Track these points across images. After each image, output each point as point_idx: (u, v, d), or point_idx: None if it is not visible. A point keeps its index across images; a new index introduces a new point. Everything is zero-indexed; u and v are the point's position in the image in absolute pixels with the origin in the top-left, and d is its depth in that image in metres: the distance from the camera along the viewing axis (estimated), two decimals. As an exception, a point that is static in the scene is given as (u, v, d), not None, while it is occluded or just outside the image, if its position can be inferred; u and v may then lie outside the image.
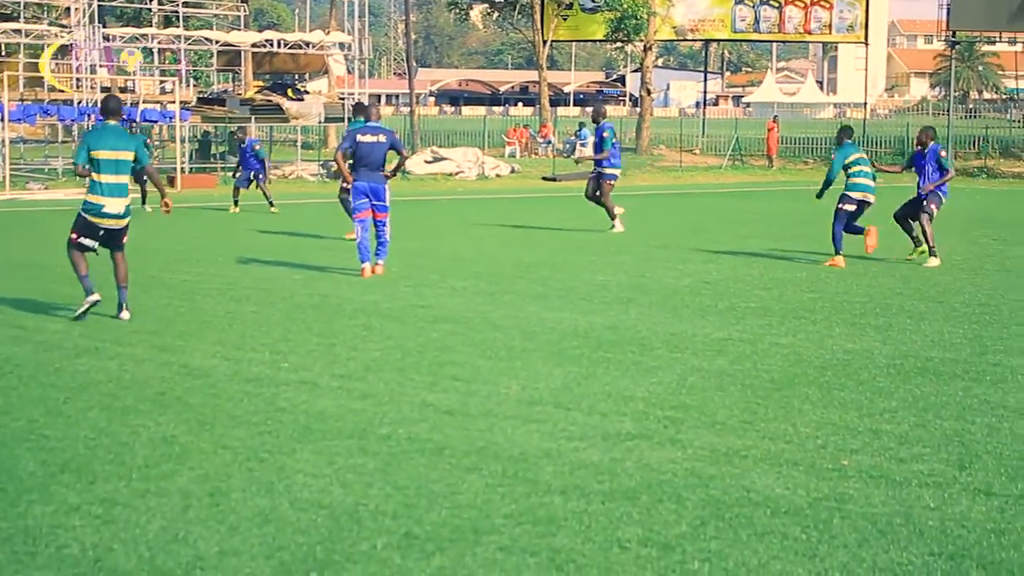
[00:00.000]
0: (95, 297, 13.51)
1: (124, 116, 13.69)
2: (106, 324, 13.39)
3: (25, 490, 7.51)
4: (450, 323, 13.70)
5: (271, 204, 29.84)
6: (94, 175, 13.52)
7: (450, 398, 10.06)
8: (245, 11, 56.75)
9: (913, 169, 20.57)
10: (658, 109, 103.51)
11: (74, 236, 13.62)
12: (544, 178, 48.00)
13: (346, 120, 44.59)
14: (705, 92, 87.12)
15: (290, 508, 7.23)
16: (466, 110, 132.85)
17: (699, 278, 17.92)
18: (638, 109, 69.37)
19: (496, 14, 73.16)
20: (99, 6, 46.19)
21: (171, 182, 39.74)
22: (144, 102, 43.97)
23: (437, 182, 46.18)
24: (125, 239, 13.89)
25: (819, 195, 21.11)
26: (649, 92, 62.68)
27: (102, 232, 13.65)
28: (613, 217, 25.23)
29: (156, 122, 44.87)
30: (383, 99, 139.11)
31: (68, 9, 48.58)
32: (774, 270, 19.11)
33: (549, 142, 58.82)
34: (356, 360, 11.60)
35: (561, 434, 8.94)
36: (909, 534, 6.93)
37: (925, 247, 20.05)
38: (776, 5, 62.16)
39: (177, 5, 52.46)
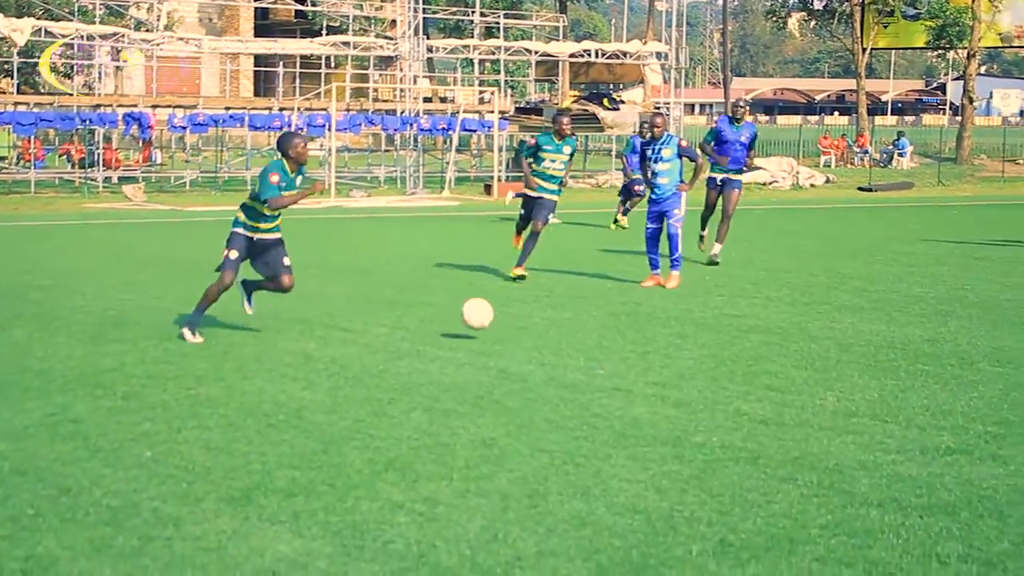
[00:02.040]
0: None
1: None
2: (426, 329, 13.73)
3: (352, 486, 7.81)
4: (764, 333, 13.65)
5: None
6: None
7: (764, 408, 10.05)
8: (563, 21, 57.40)
9: None
10: (980, 118, 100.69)
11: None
12: (860, 188, 47.25)
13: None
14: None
15: (606, 512, 7.34)
16: (781, 119, 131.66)
17: (1022, 291, 17.42)
18: (959, 118, 67.63)
19: (814, 22, 72.31)
20: (423, 19, 47.32)
21: (487, 190, 40.49)
22: (463, 112, 44.88)
23: (751, 191, 45.84)
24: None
25: None
26: (971, 100, 61.00)
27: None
28: (721, 239, 20.48)
29: (475, 131, 45.80)
30: (696, 108, 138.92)
31: (393, 22, 49.97)
32: (1103, 284, 18.45)
33: (866, 152, 57.81)
34: (670, 368, 11.67)
35: (878, 446, 8.85)
36: None
37: None
38: (1111, 7, 59.85)
39: (498, 16, 53.41)
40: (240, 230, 13.01)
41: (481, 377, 11.19)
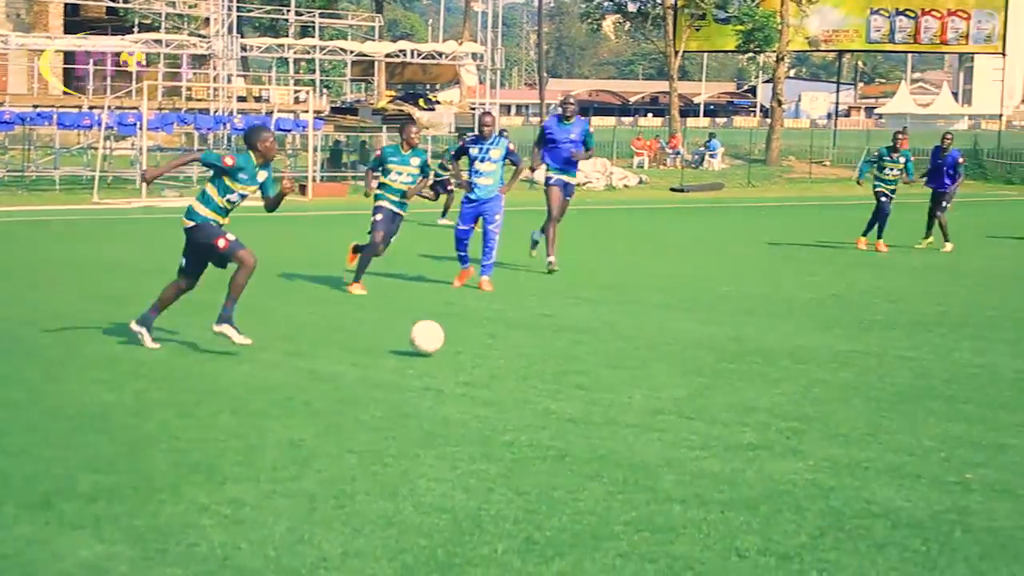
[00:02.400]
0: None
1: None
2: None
3: (157, 490, 7.71)
4: (575, 332, 13.78)
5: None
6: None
7: (573, 406, 10.14)
8: (379, 22, 57.32)
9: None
10: (789, 120, 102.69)
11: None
12: (672, 189, 47.98)
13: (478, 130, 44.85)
14: (837, 103, 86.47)
15: (413, 512, 7.35)
16: (596, 120, 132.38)
17: (825, 290, 17.84)
18: (768, 120, 68.97)
19: (628, 24, 73.40)
20: (237, 17, 46.84)
21: (302, 191, 40.22)
22: (278, 111, 44.55)
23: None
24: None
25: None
26: (780, 103, 62.31)
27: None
28: (536, 246, 20.43)
29: (290, 131, 45.47)
30: (513, 109, 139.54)
31: (207, 20, 49.40)
32: (902, 282, 18.99)
33: (678, 153, 58.66)
34: (481, 368, 11.71)
35: (682, 443, 8.99)
36: (1031, 549, 6.89)
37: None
38: (912, 15, 61.55)
39: (313, 16, 53.12)
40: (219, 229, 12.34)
41: (291, 378, 11.12)
